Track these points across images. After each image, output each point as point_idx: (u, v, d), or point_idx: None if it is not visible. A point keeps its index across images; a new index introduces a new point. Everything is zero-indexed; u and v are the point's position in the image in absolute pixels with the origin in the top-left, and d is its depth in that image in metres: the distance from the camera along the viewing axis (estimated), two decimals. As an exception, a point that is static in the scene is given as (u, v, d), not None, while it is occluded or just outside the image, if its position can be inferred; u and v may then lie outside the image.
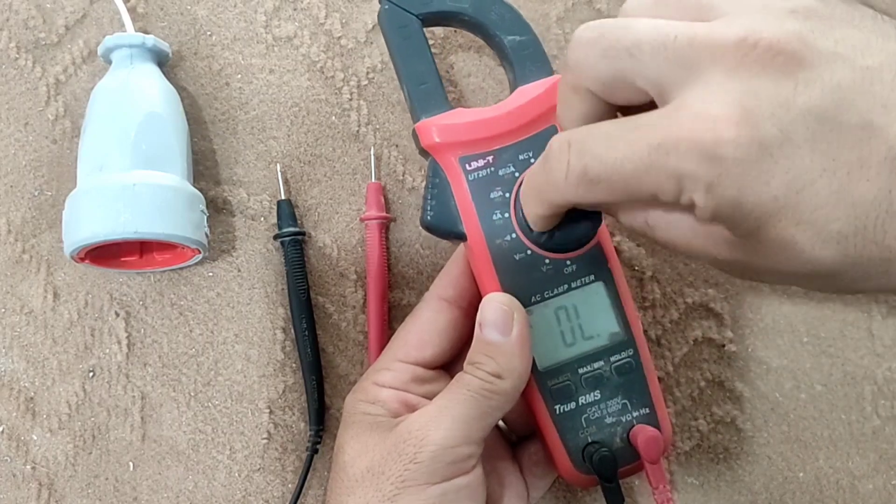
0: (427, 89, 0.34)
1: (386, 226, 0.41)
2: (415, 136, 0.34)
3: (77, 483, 0.40)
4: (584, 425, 0.33)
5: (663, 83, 0.24)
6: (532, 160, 0.33)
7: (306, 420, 0.41)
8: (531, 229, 0.32)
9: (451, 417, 0.30)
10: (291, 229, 0.41)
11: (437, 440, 0.30)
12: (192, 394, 0.41)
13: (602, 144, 0.24)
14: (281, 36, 0.43)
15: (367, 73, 0.42)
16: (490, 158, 0.33)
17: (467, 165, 0.33)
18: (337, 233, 0.42)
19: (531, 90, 0.33)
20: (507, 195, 0.33)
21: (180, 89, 0.41)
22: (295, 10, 0.43)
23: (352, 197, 0.42)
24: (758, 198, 0.22)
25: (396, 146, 0.42)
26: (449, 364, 0.36)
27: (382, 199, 0.41)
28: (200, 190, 0.40)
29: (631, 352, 0.34)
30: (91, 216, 0.36)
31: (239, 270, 0.42)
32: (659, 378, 0.42)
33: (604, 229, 0.33)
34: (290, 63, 0.43)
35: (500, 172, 0.33)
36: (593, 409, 0.33)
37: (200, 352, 0.41)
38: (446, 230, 0.33)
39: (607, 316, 0.33)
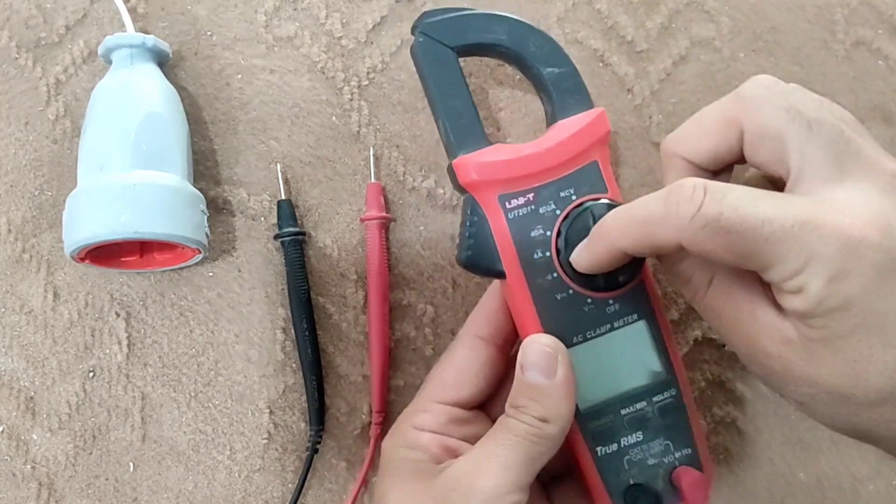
0: (465, 125, 0.33)
1: (386, 226, 0.41)
2: (451, 172, 0.33)
3: (77, 483, 0.40)
4: (626, 467, 0.32)
5: (816, 169, 0.26)
6: (574, 197, 0.32)
7: (306, 420, 0.41)
8: (574, 269, 0.31)
9: (498, 464, 0.29)
10: (291, 229, 0.40)
11: (485, 489, 0.29)
12: (193, 394, 0.41)
13: (745, 199, 0.25)
14: (281, 36, 0.43)
15: (368, 73, 0.42)
16: (530, 196, 0.32)
17: (507, 203, 0.32)
18: (337, 233, 0.42)
19: (571, 125, 0.32)
20: (549, 233, 0.32)
21: (180, 89, 0.41)
22: (295, 10, 0.43)
23: (352, 197, 0.42)
24: (870, 308, 0.23)
25: (397, 146, 0.42)
26: (486, 404, 0.35)
27: (382, 200, 0.41)
28: (200, 190, 0.40)
29: (674, 392, 0.33)
30: (91, 216, 0.36)
31: (239, 270, 0.42)
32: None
33: (646, 266, 0.32)
34: (291, 63, 0.43)
35: (541, 210, 0.32)
36: (635, 450, 0.32)
37: (200, 352, 0.41)
38: (485, 268, 0.32)
39: (650, 355, 0.33)
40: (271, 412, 0.41)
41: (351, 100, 0.42)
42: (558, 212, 0.32)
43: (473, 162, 0.32)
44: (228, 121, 0.42)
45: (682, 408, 0.33)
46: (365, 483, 0.41)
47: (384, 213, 0.41)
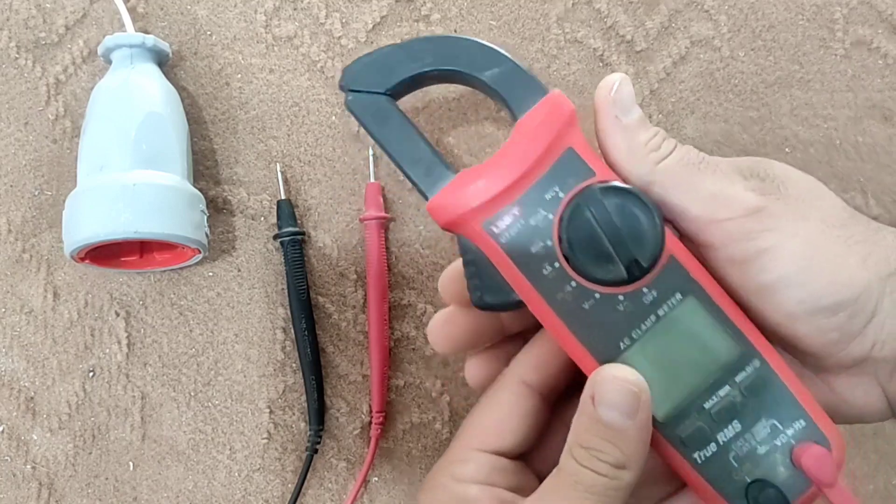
0: (424, 166, 0.30)
1: (385, 226, 0.41)
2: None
3: (77, 483, 0.40)
4: (736, 465, 0.28)
5: None
6: (561, 195, 0.29)
7: (306, 420, 0.41)
8: (592, 271, 0.28)
9: None
10: (291, 229, 0.41)
11: None
12: (192, 394, 0.41)
13: None
14: (281, 36, 0.43)
15: (367, 72, 0.42)
16: (514, 212, 0.29)
17: (493, 228, 0.29)
18: (337, 233, 0.42)
19: (532, 119, 0.29)
20: (549, 243, 0.28)
21: (180, 89, 0.41)
22: (295, 9, 0.43)
23: (352, 197, 0.42)
24: None
25: (396, 146, 0.42)
26: (528, 455, 0.32)
27: (381, 200, 0.41)
28: (200, 190, 0.40)
29: (757, 363, 0.28)
30: (91, 216, 0.36)
31: (239, 270, 0.42)
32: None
33: (670, 236, 0.29)
34: (290, 63, 0.43)
35: (532, 222, 0.29)
36: (738, 443, 0.28)
37: (200, 352, 0.41)
38: (501, 304, 0.29)
39: (712, 331, 0.28)
40: (271, 412, 0.41)
41: (350, 99, 0.42)
42: (551, 216, 0.28)
43: (444, 201, 0.29)
44: (228, 120, 0.42)
45: (774, 377, 0.28)
46: (365, 483, 0.41)
47: (383, 213, 0.41)
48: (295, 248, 0.41)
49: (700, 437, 0.28)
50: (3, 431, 0.41)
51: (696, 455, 0.28)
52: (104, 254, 0.39)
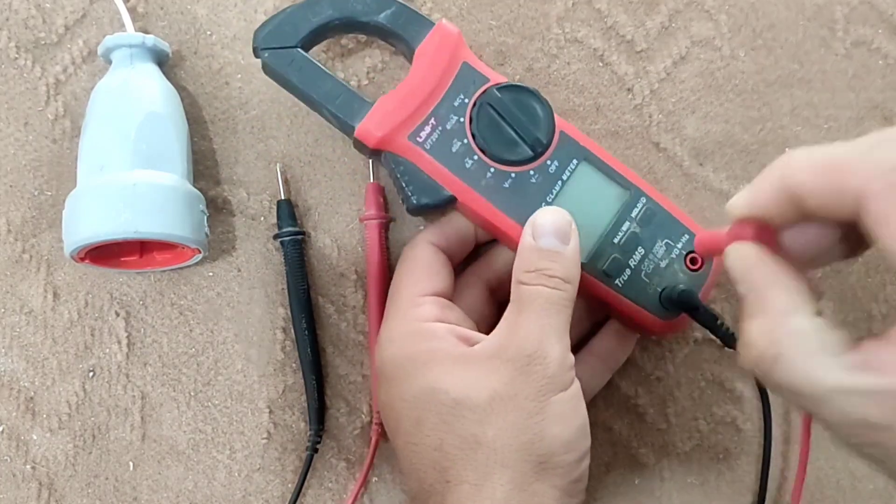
0: (344, 100, 0.36)
1: (386, 226, 0.41)
2: (359, 145, 0.36)
3: (77, 483, 0.40)
4: (648, 281, 0.36)
5: None
6: (467, 101, 0.35)
7: (306, 420, 0.41)
8: (503, 154, 0.35)
9: (553, 330, 0.32)
10: (291, 229, 0.40)
11: (557, 355, 0.31)
12: (192, 394, 0.41)
13: None
14: (281, 35, 0.43)
15: (368, 72, 0.42)
16: (433, 121, 0.35)
17: (418, 138, 0.35)
18: (337, 233, 0.42)
19: (428, 45, 0.36)
20: (466, 141, 0.35)
21: (180, 89, 0.41)
22: (295, 9, 0.43)
23: (352, 197, 0.42)
24: None
25: (396, 146, 0.42)
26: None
27: (382, 200, 0.41)
28: (200, 190, 0.40)
29: (644, 200, 0.36)
30: (91, 216, 0.36)
31: (239, 270, 0.42)
32: (658, 378, 0.42)
33: (557, 118, 0.36)
34: (290, 63, 0.42)
35: (448, 126, 0.35)
36: (646, 263, 0.36)
37: (200, 352, 0.41)
38: (435, 202, 0.35)
39: (607, 184, 0.36)
40: (271, 412, 0.41)
41: (350, 99, 0.42)
42: (462, 119, 0.35)
43: (370, 124, 0.35)
44: (228, 120, 0.42)
45: (658, 207, 0.36)
46: (365, 483, 0.41)
47: (384, 213, 0.41)
48: (295, 248, 0.41)
49: (617, 265, 0.36)
50: (3, 431, 0.41)
51: (617, 282, 0.36)
52: (104, 254, 0.39)
